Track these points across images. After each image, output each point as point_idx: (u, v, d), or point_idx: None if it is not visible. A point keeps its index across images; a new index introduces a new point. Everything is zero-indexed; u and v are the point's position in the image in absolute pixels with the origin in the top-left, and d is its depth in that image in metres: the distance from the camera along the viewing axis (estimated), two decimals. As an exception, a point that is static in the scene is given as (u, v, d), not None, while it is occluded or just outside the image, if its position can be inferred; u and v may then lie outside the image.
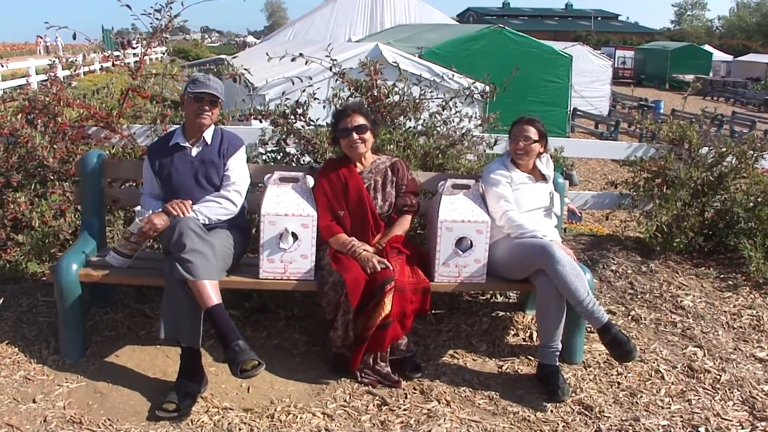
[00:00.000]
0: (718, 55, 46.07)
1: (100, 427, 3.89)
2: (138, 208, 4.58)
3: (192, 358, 4.18)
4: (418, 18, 22.11)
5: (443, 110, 6.05)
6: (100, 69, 24.11)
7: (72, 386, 4.24)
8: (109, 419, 3.96)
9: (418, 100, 6.06)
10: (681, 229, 6.14)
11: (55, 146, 5.51)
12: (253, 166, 5.00)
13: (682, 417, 4.19)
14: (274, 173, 4.70)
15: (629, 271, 6.00)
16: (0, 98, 6.11)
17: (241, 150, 4.74)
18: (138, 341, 4.74)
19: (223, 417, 4.03)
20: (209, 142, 4.65)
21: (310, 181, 4.68)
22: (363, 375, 4.43)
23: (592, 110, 21.18)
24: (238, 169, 4.68)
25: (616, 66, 31.86)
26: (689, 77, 36.88)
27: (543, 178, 4.95)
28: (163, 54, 33.66)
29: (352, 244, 4.51)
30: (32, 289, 5.20)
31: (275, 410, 4.11)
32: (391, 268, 4.39)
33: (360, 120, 4.68)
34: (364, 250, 4.48)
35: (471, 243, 4.59)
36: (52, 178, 5.59)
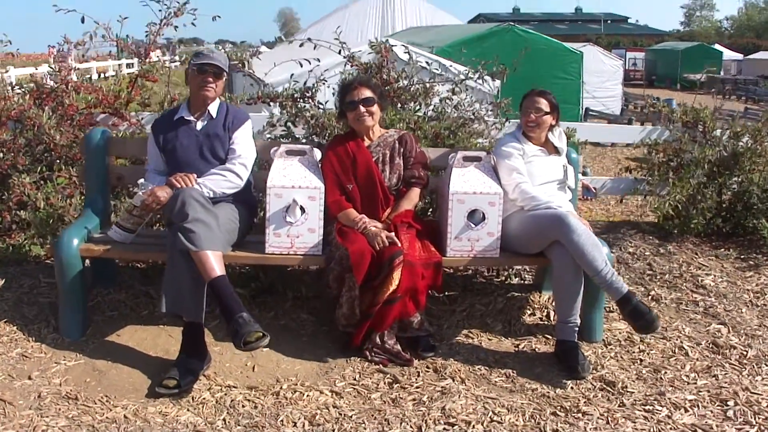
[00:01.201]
0: (729, 54, 44.46)
1: (96, 403, 3.55)
2: (141, 180, 4.24)
3: (194, 333, 3.81)
4: (429, 23, 21.78)
5: (454, 95, 5.70)
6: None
7: (70, 364, 3.90)
8: (106, 395, 3.62)
9: (428, 85, 5.72)
10: (698, 210, 5.73)
11: (62, 129, 5.19)
12: (260, 143, 4.64)
13: (709, 392, 3.77)
14: (280, 147, 4.36)
15: (647, 253, 5.60)
16: (10, 84, 5.82)
17: (246, 123, 4.40)
18: (140, 321, 4.38)
19: (226, 394, 3.68)
20: (214, 115, 4.33)
21: (317, 153, 4.34)
22: (373, 353, 4.05)
23: (605, 110, 20.45)
24: (243, 143, 4.34)
25: (627, 68, 30.95)
26: (700, 76, 36.01)
27: (556, 151, 4.58)
28: (177, 64, 33.40)
29: (362, 219, 4.15)
30: (34, 270, 4.86)
31: (281, 388, 3.75)
32: (400, 244, 4.02)
33: (367, 93, 4.34)
34: (374, 226, 4.12)
35: (483, 215, 4.22)
36: (58, 162, 5.28)
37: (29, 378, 3.73)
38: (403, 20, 21.05)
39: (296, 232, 4.14)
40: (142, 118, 5.58)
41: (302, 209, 4.12)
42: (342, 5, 21.83)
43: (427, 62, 6.00)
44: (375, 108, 4.36)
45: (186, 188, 3.93)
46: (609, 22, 64.32)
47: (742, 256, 5.64)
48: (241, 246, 4.25)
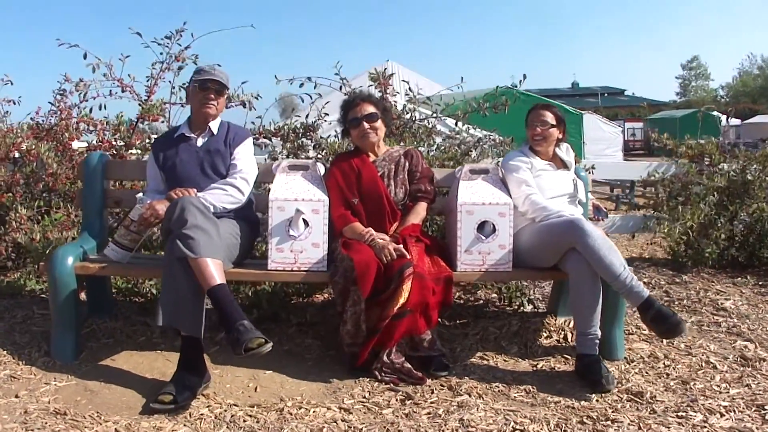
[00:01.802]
0: (725, 120, 44.48)
1: (86, 418, 3.21)
2: (139, 195, 3.99)
3: (192, 348, 3.48)
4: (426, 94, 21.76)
5: (456, 127, 5.52)
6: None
7: (60, 384, 3.58)
8: (97, 413, 3.28)
9: (431, 125, 5.55)
10: (711, 240, 5.46)
11: (62, 163, 4.99)
12: (263, 165, 4.40)
13: (743, 398, 3.44)
14: (282, 162, 4.13)
15: (662, 282, 5.31)
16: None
17: (248, 140, 4.18)
18: (137, 347, 4.07)
19: (225, 411, 3.34)
20: (215, 132, 4.11)
21: (321, 168, 4.12)
22: (382, 373, 3.70)
23: (606, 176, 19.69)
24: (245, 158, 4.11)
25: (626, 138, 30.59)
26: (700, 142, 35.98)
27: (564, 165, 4.35)
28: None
29: (369, 232, 3.87)
30: (29, 303, 4.59)
31: (285, 405, 3.40)
32: (409, 256, 3.74)
33: (370, 108, 4.14)
34: (381, 238, 3.84)
35: (494, 227, 3.95)
36: (57, 199, 5.06)
37: (16, 396, 3.41)
38: (401, 96, 21.10)
39: (300, 247, 3.86)
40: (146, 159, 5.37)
41: (306, 222, 3.86)
42: (336, 90, 21.91)
43: (428, 98, 5.81)
44: (379, 123, 4.15)
45: (185, 196, 3.66)
46: (606, 95, 64.42)
47: (761, 283, 5.34)
48: (242, 264, 3.97)
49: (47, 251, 4.54)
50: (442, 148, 5.54)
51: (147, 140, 5.52)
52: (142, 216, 3.78)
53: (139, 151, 5.54)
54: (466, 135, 5.75)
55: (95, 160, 4.31)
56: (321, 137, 5.26)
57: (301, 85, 5.50)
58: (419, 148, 5.34)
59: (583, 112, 21.27)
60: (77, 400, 3.40)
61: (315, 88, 5.50)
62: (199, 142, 4.09)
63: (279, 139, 5.28)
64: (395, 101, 5.43)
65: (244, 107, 5.48)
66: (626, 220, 6.13)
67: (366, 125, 4.11)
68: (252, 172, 4.10)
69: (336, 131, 5.39)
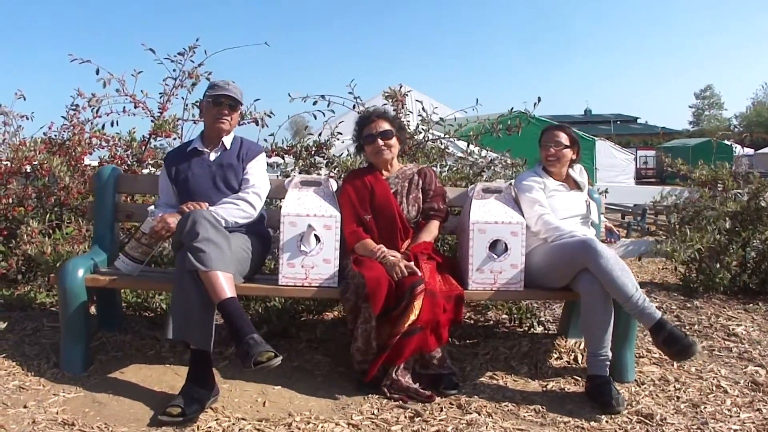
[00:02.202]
0: (740, 149, 43.93)
1: (94, 429, 3.21)
2: (151, 208, 4.01)
3: (201, 361, 3.47)
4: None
5: (470, 154, 5.54)
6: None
7: (69, 396, 3.56)
8: (105, 424, 3.26)
9: (443, 146, 5.57)
10: (722, 265, 5.44)
11: (74, 177, 5.02)
12: (275, 181, 4.41)
13: (754, 423, 3.41)
14: (294, 177, 4.15)
15: (673, 307, 5.28)
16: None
17: (261, 155, 4.21)
18: (146, 360, 4.06)
19: (234, 424, 3.32)
20: (228, 147, 4.13)
21: (333, 184, 4.13)
22: (391, 391, 3.68)
23: (618, 203, 19.65)
24: (257, 173, 4.13)
25: (638, 166, 30.22)
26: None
27: (577, 186, 4.35)
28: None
29: (381, 249, 3.87)
30: (39, 315, 4.59)
31: (294, 420, 3.38)
32: (420, 273, 3.74)
33: (385, 125, 4.16)
34: (392, 255, 3.84)
35: (506, 246, 3.95)
36: (68, 213, 5.08)
37: (24, 407, 3.40)
38: (414, 116, 21.04)
39: (311, 263, 3.86)
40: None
41: (317, 238, 3.86)
42: (350, 110, 21.99)
43: (441, 119, 5.83)
44: (393, 141, 4.17)
45: (197, 210, 3.67)
46: (618, 122, 63.93)
47: (773, 311, 5.31)
48: (253, 278, 3.98)
49: (58, 264, 4.56)
50: (455, 168, 5.55)
51: (160, 158, 5.54)
52: (154, 228, 3.79)
53: (152, 168, 5.57)
54: (478, 157, 5.77)
55: (107, 174, 4.33)
56: (333, 155, 5.27)
57: (315, 102, 5.53)
58: (436, 168, 5.38)
59: (595, 138, 21.23)
60: (85, 412, 3.39)
61: (328, 106, 5.53)
62: (212, 156, 4.12)
63: (291, 156, 5.29)
64: (408, 121, 5.44)
65: (257, 125, 5.52)
66: (637, 245, 6.12)
67: (380, 142, 4.13)
68: (264, 187, 4.12)
69: (348, 150, 5.43)
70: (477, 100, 5.80)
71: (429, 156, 5.53)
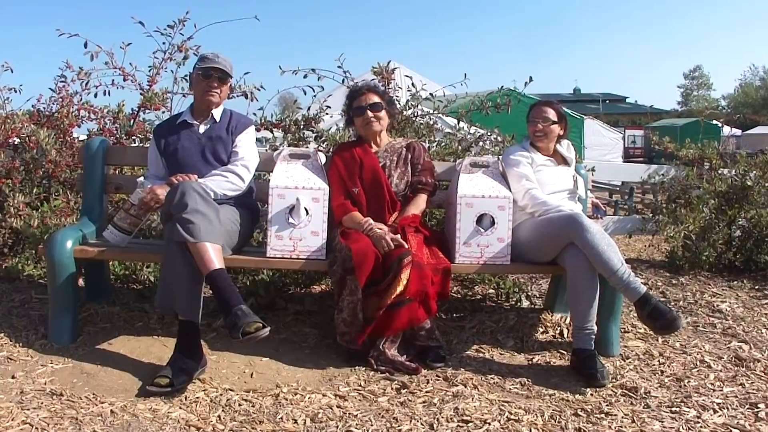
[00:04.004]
0: (727, 130, 43.75)
1: (81, 399, 3.20)
2: (140, 179, 4.01)
3: (189, 332, 3.48)
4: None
5: (458, 131, 5.55)
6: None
7: (57, 366, 3.57)
8: (93, 394, 3.27)
9: (432, 122, 5.57)
10: (709, 242, 5.49)
11: (62, 151, 5.00)
12: (264, 153, 4.41)
13: (737, 397, 3.46)
14: (283, 150, 4.15)
15: (659, 284, 5.33)
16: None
17: (250, 128, 4.21)
18: (134, 332, 4.06)
19: (221, 395, 3.33)
20: (218, 119, 4.13)
21: (322, 157, 4.14)
22: (378, 363, 3.71)
23: (605, 181, 19.56)
24: (246, 146, 4.13)
25: (626, 145, 30.02)
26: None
27: (565, 162, 4.37)
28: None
29: (368, 222, 3.89)
30: (27, 287, 4.59)
31: (281, 391, 3.40)
32: (407, 246, 3.76)
33: (374, 98, 4.17)
34: (379, 228, 3.86)
35: (493, 220, 3.97)
36: (56, 185, 5.07)
37: (12, 377, 3.40)
38: (403, 92, 20.87)
39: (299, 235, 3.88)
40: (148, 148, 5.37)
41: (306, 211, 3.88)
42: (339, 86, 21.85)
43: (431, 94, 5.84)
44: (383, 113, 4.18)
45: (186, 181, 3.68)
46: (607, 101, 63.49)
47: (757, 287, 5.37)
48: (241, 250, 4.00)
49: (44, 237, 4.56)
50: (443, 144, 5.56)
51: (148, 131, 5.52)
52: (143, 200, 3.80)
53: (140, 142, 5.55)
54: (467, 133, 5.77)
55: (96, 145, 4.32)
56: (322, 129, 5.27)
57: (305, 76, 5.51)
58: (427, 145, 5.38)
59: (584, 117, 21.14)
60: (73, 382, 3.40)
61: (318, 80, 5.51)
62: (202, 129, 4.11)
63: (280, 130, 5.29)
64: (398, 96, 5.44)
65: (246, 98, 5.50)
66: (624, 222, 6.16)
67: (370, 114, 4.14)
68: (253, 159, 4.12)
69: (337, 125, 5.42)
70: (465, 75, 5.81)
71: (418, 132, 5.53)
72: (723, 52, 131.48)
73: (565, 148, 4.40)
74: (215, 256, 3.42)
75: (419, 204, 4.17)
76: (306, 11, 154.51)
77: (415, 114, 5.54)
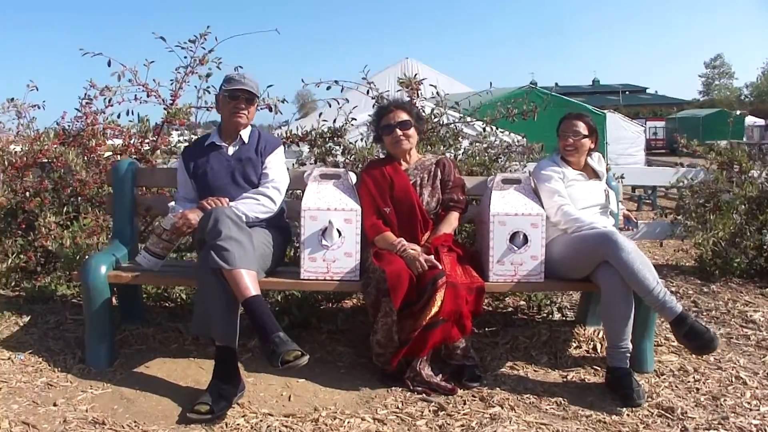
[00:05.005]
0: (751, 120, 42.81)
1: (124, 428, 3.31)
2: (172, 204, 4.09)
3: (227, 358, 3.57)
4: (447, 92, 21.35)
5: (484, 131, 5.60)
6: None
7: (96, 392, 3.67)
8: (135, 422, 3.37)
9: (457, 129, 5.62)
10: (740, 249, 5.52)
11: (88, 169, 5.09)
12: (293, 171, 4.48)
13: (775, 416, 3.51)
14: (313, 170, 4.21)
15: (690, 292, 5.37)
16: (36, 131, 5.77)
17: (279, 149, 4.27)
18: (170, 354, 4.16)
19: (261, 421, 3.42)
20: (246, 140, 4.20)
21: (353, 177, 4.19)
22: (414, 383, 3.78)
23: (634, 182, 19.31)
24: (276, 167, 4.20)
25: (648, 137, 29.44)
26: (723, 143, 34.35)
27: (596, 175, 4.41)
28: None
29: (401, 242, 3.95)
30: (61, 308, 4.69)
31: (320, 415, 3.48)
32: (440, 267, 3.82)
33: (403, 116, 4.21)
34: (412, 249, 3.92)
35: (526, 238, 4.02)
36: (84, 204, 5.17)
37: (54, 405, 3.51)
38: (422, 93, 20.77)
39: (332, 257, 3.95)
40: (169, 166, 5.46)
41: (339, 232, 3.94)
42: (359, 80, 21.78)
43: (456, 103, 5.89)
44: (412, 131, 4.23)
45: (219, 207, 3.75)
46: (627, 93, 62.87)
47: (791, 295, 5.39)
48: (274, 274, 4.07)
49: (77, 257, 4.66)
50: (470, 152, 5.60)
51: (173, 146, 5.62)
52: (175, 225, 3.87)
53: (165, 157, 5.64)
54: (494, 139, 5.81)
55: (125, 168, 4.41)
56: (349, 142, 5.33)
57: (329, 87, 5.57)
58: (446, 152, 5.43)
59: (604, 111, 20.97)
60: (114, 409, 3.50)
61: (342, 91, 5.57)
62: (230, 150, 4.18)
63: (306, 144, 5.35)
64: (422, 103, 5.50)
65: (270, 111, 5.57)
66: (652, 227, 6.17)
67: (399, 132, 4.19)
68: (284, 181, 4.19)
69: (362, 134, 5.48)
70: (491, 83, 5.86)
71: (444, 140, 5.57)
72: (745, 40, 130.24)
73: (596, 161, 4.44)
74: (251, 283, 3.50)
75: (451, 222, 4.22)
76: (311, 13, 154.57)
77: (441, 123, 5.58)
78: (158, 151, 5.59)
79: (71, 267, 4.74)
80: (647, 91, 69.06)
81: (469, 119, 5.90)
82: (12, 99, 5.80)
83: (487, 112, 5.93)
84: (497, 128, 6.01)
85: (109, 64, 5.35)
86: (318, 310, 4.61)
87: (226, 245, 3.51)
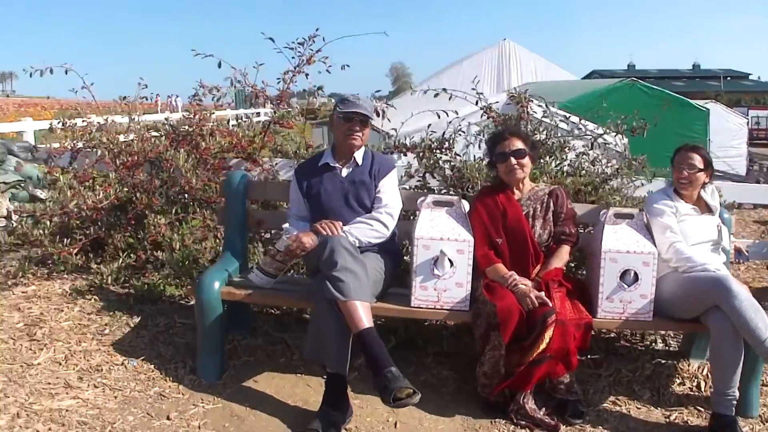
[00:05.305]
0: None
1: (238, 450, 3.43)
2: (286, 225, 4.19)
3: (337, 385, 3.70)
4: (545, 77, 20.05)
5: (591, 149, 5.54)
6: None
7: (208, 407, 3.84)
8: (247, 443, 3.50)
9: (563, 140, 5.56)
10: None
11: (197, 172, 5.22)
12: (404, 192, 4.54)
13: None
14: (427, 197, 4.26)
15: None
16: (145, 126, 5.91)
17: (393, 172, 4.33)
18: (277, 368, 4.30)
19: (369, 449, 3.52)
20: (360, 162, 4.26)
21: (466, 205, 4.22)
22: (518, 417, 3.85)
23: (729, 170, 19.15)
24: (390, 191, 4.26)
25: (750, 126, 27.96)
26: None
27: (709, 210, 4.35)
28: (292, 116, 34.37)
29: (512, 276, 3.98)
30: (170, 310, 4.86)
31: (425, 446, 3.57)
32: (551, 304, 3.84)
33: (518, 144, 4.21)
34: (523, 283, 3.95)
35: (636, 276, 4.01)
36: (192, 204, 5.31)
37: (168, 418, 3.69)
38: (518, 76, 20.05)
39: (443, 286, 4.01)
40: (276, 164, 5.56)
41: (450, 262, 3.99)
42: (456, 60, 21.55)
43: (565, 116, 5.84)
44: (526, 160, 4.23)
45: (335, 236, 3.86)
46: (729, 78, 60.82)
47: None
48: (384, 297, 4.15)
49: (186, 263, 4.81)
50: (576, 164, 5.53)
51: (279, 145, 5.72)
52: (289, 248, 3.97)
53: (271, 154, 5.75)
54: (591, 136, 5.71)
55: (237, 180, 4.54)
56: (456, 154, 5.32)
57: (436, 95, 5.58)
58: (551, 165, 5.39)
59: (705, 102, 20.23)
60: (225, 426, 3.66)
61: (450, 99, 5.56)
62: (344, 172, 4.26)
63: (414, 154, 5.36)
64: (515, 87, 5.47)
65: (378, 116, 5.60)
66: (761, 246, 5.99)
67: (513, 161, 4.19)
68: (397, 206, 4.26)
69: (468, 140, 5.48)
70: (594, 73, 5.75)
71: (550, 152, 5.52)
72: None
73: (710, 194, 4.38)
74: (364, 315, 3.60)
75: (563, 256, 4.23)
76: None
77: (548, 136, 5.53)
78: (264, 149, 5.70)
79: (180, 271, 4.89)
80: (750, 77, 66.51)
81: (569, 116, 5.83)
82: (124, 98, 5.96)
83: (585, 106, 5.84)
84: (600, 127, 5.91)
85: (219, 66, 5.46)
86: (423, 330, 4.67)
87: (341, 276, 3.61)
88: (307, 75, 5.71)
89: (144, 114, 6.39)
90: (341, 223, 4.04)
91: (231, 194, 4.54)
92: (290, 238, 3.99)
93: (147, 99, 6.08)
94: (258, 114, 17.29)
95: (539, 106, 5.87)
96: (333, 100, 5.62)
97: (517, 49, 20.07)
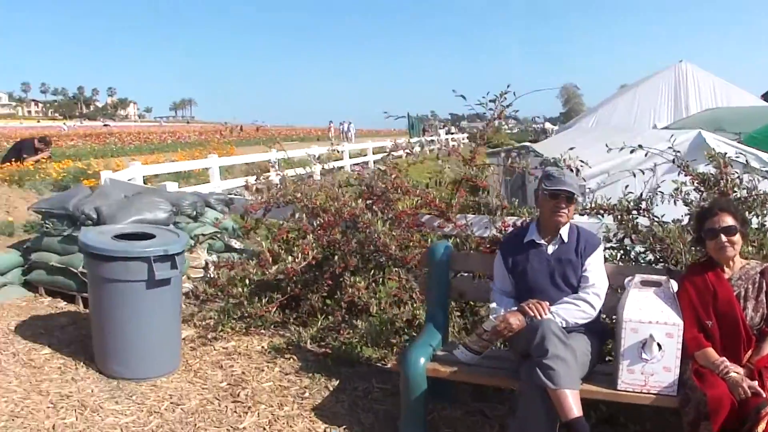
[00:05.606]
0: None
1: None
2: (492, 305, 4.27)
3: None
4: (724, 101, 19.78)
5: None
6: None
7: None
8: None
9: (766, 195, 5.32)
10: None
11: (393, 233, 5.35)
12: (609, 266, 4.50)
13: None
14: (634, 276, 4.22)
15: None
16: (338, 183, 6.11)
17: (599, 249, 4.32)
18: (478, 443, 4.34)
19: None
20: (566, 239, 4.27)
21: (674, 285, 4.14)
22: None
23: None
24: (596, 270, 4.25)
25: None
26: None
27: None
28: (464, 140, 34.89)
29: (723, 363, 3.87)
30: (367, 373, 5.03)
31: None
32: (764, 395, 3.71)
33: (729, 220, 4.09)
34: (735, 371, 3.83)
35: None
36: (389, 264, 5.45)
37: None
38: (696, 100, 19.27)
39: (651, 370, 3.96)
40: (471, 223, 5.60)
41: (659, 346, 3.93)
42: (631, 84, 21.05)
43: (756, 155, 5.59)
44: (737, 237, 4.10)
45: (545, 321, 3.89)
46: None
47: None
48: (589, 376, 4.13)
49: (383, 328, 4.94)
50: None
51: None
52: (496, 328, 4.02)
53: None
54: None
55: (441, 251, 4.65)
56: (654, 217, 5.20)
57: (632, 151, 5.51)
58: (752, 222, 5.15)
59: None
60: None
61: (646, 155, 5.45)
62: (550, 249, 4.28)
63: (611, 216, 5.29)
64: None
65: (571, 171, 5.56)
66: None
67: (724, 239, 4.07)
68: (604, 285, 4.25)
69: (661, 194, 5.33)
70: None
71: (751, 207, 5.28)
72: None
73: None
74: (574, 403, 3.63)
75: None
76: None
77: (750, 194, 5.30)
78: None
79: (377, 336, 5.03)
80: None
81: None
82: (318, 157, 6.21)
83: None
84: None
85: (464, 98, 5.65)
86: (625, 406, 4.59)
87: (552, 364, 3.64)
88: (498, 129, 5.77)
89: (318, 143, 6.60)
90: (548, 303, 4.07)
91: (434, 265, 4.65)
92: (497, 319, 4.05)
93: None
94: (431, 141, 17.58)
95: (738, 156, 5.66)
96: (503, 123, 5.68)
97: (694, 71, 19.34)
